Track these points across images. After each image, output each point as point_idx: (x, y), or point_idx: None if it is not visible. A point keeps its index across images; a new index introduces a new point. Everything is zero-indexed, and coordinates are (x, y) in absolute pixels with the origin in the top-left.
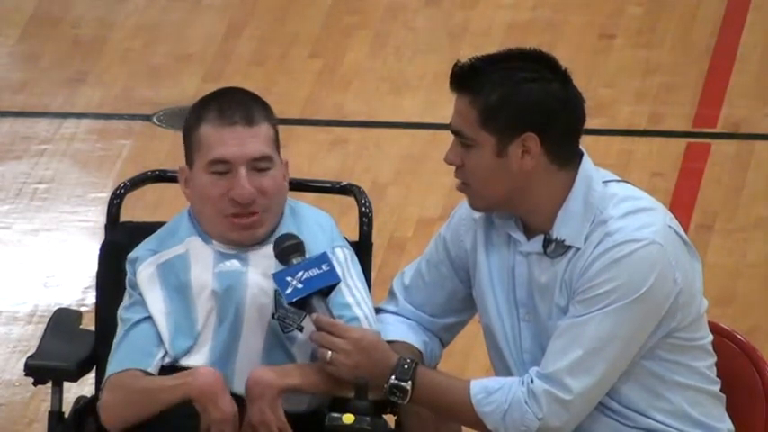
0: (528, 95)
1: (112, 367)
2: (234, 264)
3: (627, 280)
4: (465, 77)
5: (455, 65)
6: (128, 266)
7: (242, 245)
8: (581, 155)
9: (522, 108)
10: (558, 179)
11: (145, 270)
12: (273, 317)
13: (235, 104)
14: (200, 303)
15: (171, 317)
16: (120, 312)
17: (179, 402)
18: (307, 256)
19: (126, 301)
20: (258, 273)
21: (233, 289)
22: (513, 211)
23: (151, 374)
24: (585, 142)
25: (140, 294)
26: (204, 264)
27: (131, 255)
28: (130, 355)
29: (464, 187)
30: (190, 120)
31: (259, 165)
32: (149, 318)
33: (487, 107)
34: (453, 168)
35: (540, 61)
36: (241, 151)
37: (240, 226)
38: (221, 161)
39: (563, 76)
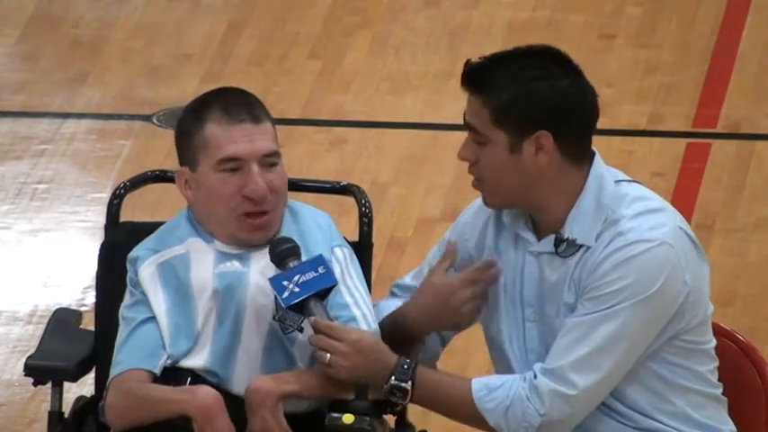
0: (538, 94)
1: (118, 367)
2: (234, 264)
3: (637, 279)
4: (476, 77)
5: (465, 64)
6: (128, 266)
7: (251, 245)
8: (593, 154)
9: (532, 107)
10: (572, 176)
11: (146, 269)
12: (274, 318)
13: (239, 103)
14: (200, 304)
15: (171, 317)
16: (123, 311)
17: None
18: (304, 257)
19: (128, 299)
20: (259, 273)
21: (233, 289)
22: (526, 208)
23: (155, 374)
24: None
25: (143, 293)
26: (205, 264)
27: (131, 254)
28: (136, 355)
29: (478, 184)
30: (188, 121)
31: (269, 160)
32: (154, 318)
33: (499, 107)
34: (453, 169)
35: (549, 58)
36: (252, 148)
37: (253, 226)
38: (233, 159)
39: (574, 72)
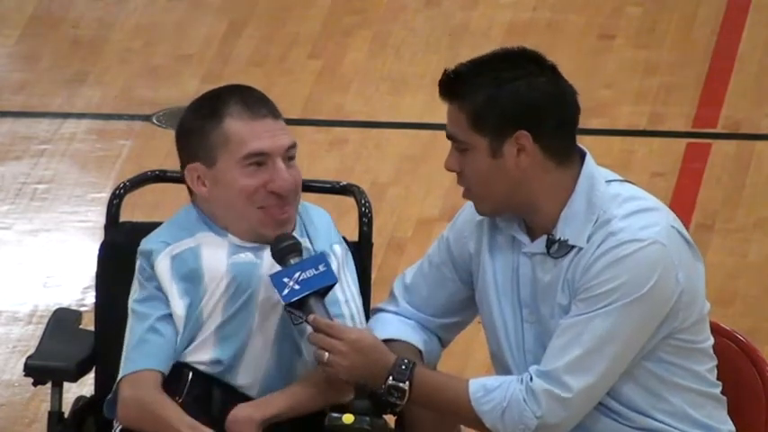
0: (514, 94)
1: (131, 364)
2: (248, 256)
3: (629, 279)
4: (452, 84)
5: (443, 74)
6: (141, 259)
7: (270, 241)
8: (583, 154)
9: (509, 107)
10: (558, 176)
11: (162, 262)
12: (285, 309)
13: (257, 99)
14: (212, 293)
15: (186, 310)
16: (134, 305)
17: None
18: (305, 254)
19: (138, 293)
20: (271, 265)
21: (247, 279)
22: (517, 213)
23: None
24: (585, 142)
25: (157, 288)
26: (218, 255)
27: (144, 247)
28: (150, 355)
29: (467, 193)
30: (200, 117)
31: (290, 154)
32: (170, 315)
33: (475, 110)
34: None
35: (524, 58)
36: (276, 143)
37: (276, 222)
38: (259, 153)
39: (550, 71)
